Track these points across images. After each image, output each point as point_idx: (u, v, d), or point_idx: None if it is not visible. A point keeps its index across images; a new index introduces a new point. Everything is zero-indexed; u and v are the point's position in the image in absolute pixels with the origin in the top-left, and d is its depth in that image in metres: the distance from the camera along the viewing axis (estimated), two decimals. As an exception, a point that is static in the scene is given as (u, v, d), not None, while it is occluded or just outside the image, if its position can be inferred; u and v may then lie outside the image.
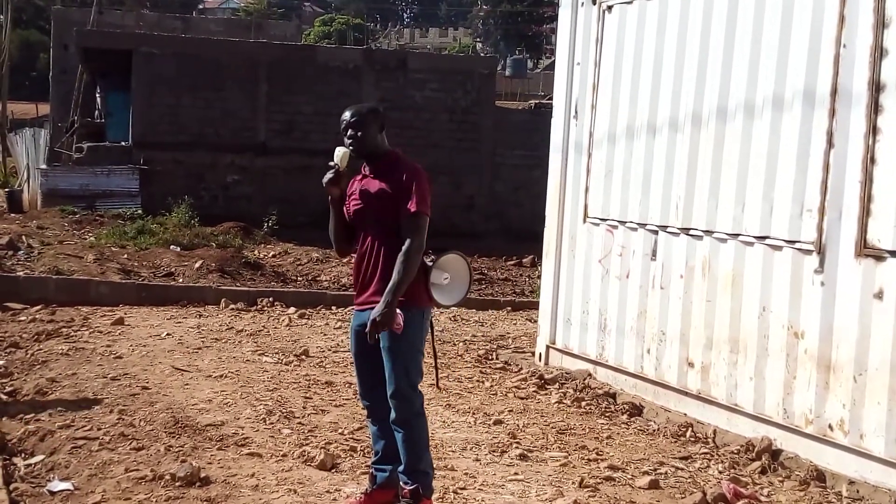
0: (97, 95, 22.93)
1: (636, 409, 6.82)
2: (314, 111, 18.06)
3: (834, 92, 5.57)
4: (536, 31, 62.22)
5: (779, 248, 5.94)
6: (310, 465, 5.09)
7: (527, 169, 17.95)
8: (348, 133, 4.34)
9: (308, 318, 10.06)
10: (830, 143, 5.59)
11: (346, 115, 4.40)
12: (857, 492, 5.24)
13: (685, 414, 6.56)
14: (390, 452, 4.40)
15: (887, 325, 5.22)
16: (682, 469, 5.56)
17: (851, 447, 5.39)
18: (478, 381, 7.55)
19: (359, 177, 4.40)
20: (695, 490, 5.12)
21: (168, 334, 8.65)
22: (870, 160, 5.34)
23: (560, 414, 6.67)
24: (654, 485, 5.15)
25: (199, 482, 4.69)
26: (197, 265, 11.95)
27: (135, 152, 17.61)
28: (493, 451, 5.61)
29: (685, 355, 6.68)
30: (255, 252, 14.19)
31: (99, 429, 5.55)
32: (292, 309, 10.41)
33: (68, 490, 4.64)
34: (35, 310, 9.46)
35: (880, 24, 5.32)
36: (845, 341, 5.47)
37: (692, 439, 6.21)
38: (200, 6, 68.39)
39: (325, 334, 9.24)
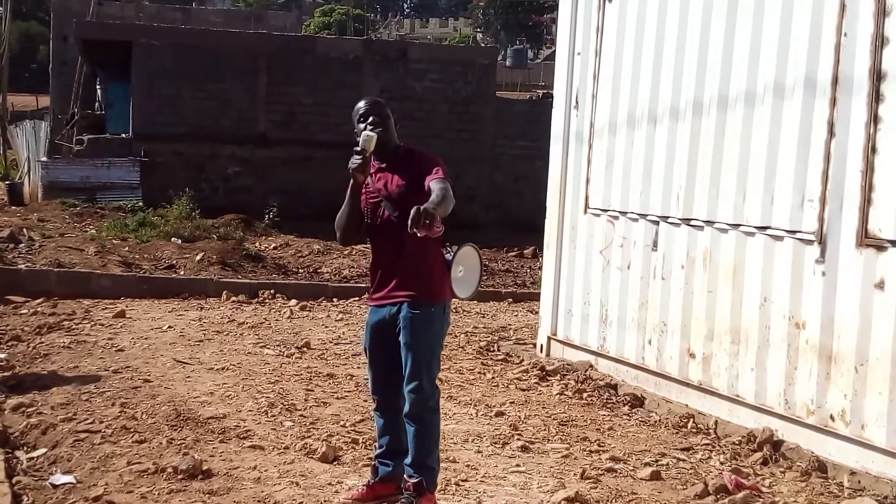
0: (97, 87, 22.91)
1: (637, 401, 6.82)
2: (314, 102, 18.03)
3: (835, 81, 5.55)
4: (537, 20, 62.17)
5: (780, 238, 5.93)
6: (312, 458, 5.09)
7: (528, 159, 17.93)
8: (370, 120, 4.24)
9: (309, 311, 10.07)
10: (831, 133, 5.57)
11: (363, 104, 4.34)
12: (859, 482, 5.24)
13: (686, 405, 6.56)
14: (396, 447, 4.40)
15: (888, 315, 5.21)
16: (683, 460, 5.57)
17: (853, 437, 5.39)
18: (479, 372, 7.56)
19: (371, 170, 4.31)
20: (696, 481, 5.12)
21: (169, 327, 8.66)
22: (871, 149, 5.33)
23: (561, 405, 6.67)
24: (655, 476, 5.16)
25: (202, 475, 4.69)
26: (198, 257, 11.96)
27: (135, 144, 17.59)
28: (495, 443, 5.62)
29: (686, 346, 6.68)
30: (257, 244, 14.19)
31: (101, 422, 5.55)
32: (294, 301, 10.42)
33: (71, 483, 4.65)
34: (36, 303, 9.47)
35: (881, 12, 5.30)
36: (846, 332, 5.46)
37: (693, 430, 6.21)
38: (200, -3, 68.14)
39: (326, 326, 9.24)
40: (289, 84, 18.13)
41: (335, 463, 5.07)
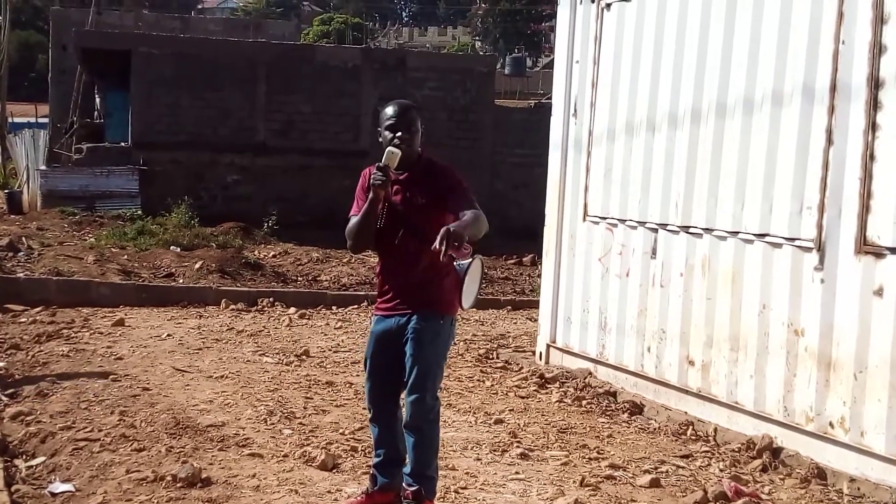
0: (96, 96, 22.92)
1: (637, 408, 6.82)
2: (313, 110, 18.05)
3: (833, 88, 5.56)
4: (535, 29, 62.23)
5: (778, 245, 5.94)
6: (311, 466, 5.09)
7: (526, 167, 17.93)
8: (399, 135, 4.18)
9: (308, 319, 10.06)
10: (830, 140, 5.58)
11: (393, 111, 4.25)
12: (858, 489, 5.23)
13: (686, 412, 6.56)
14: (394, 457, 4.39)
15: (887, 322, 5.22)
16: (682, 467, 5.56)
17: (852, 444, 5.39)
18: (478, 380, 7.55)
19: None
20: (696, 488, 5.12)
21: (168, 335, 8.65)
22: (869, 157, 5.34)
23: (561, 413, 6.67)
24: (655, 483, 5.15)
25: (201, 483, 4.69)
26: (197, 266, 11.95)
27: (134, 153, 17.59)
28: (494, 451, 5.61)
29: (685, 353, 6.68)
30: (256, 252, 14.18)
31: (100, 430, 5.55)
32: (293, 309, 10.41)
33: (69, 492, 4.64)
34: (35, 311, 9.46)
35: (879, 19, 5.32)
36: (845, 339, 5.47)
37: (693, 437, 6.21)
38: (199, 6, 68.28)
39: (325, 334, 9.23)
40: (288, 92, 18.15)
41: (334, 471, 5.06)
